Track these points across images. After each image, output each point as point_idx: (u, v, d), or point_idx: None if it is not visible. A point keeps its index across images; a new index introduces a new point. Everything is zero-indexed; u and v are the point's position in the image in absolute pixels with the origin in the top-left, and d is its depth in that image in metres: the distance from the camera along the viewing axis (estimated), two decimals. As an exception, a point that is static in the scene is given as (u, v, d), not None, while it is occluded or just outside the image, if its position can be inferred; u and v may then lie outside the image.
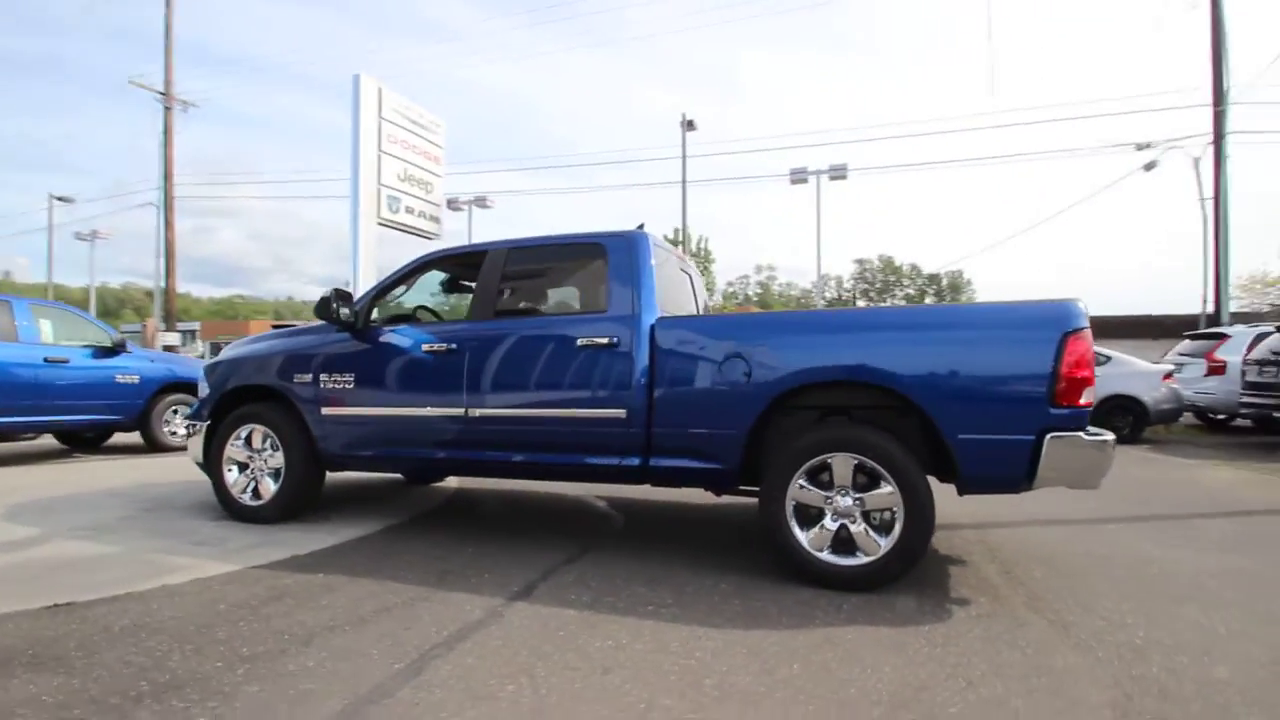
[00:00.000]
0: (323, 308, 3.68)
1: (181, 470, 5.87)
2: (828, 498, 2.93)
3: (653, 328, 3.25)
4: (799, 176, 18.96)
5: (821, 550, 2.92)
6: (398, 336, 3.77)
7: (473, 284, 4.77)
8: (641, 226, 3.68)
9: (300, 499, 3.95)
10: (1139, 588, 2.94)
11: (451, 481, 5.42)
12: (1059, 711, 1.87)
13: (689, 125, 21.09)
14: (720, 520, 4.23)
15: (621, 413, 3.21)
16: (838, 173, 18.56)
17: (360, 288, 20.09)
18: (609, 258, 3.47)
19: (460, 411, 3.50)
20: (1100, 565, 3.27)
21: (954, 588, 2.93)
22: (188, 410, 8.04)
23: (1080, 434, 2.67)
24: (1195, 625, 2.51)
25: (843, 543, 2.91)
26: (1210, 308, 15.86)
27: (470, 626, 2.42)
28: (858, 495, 2.90)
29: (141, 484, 5.24)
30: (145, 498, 4.68)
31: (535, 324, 3.53)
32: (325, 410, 3.79)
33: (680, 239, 22.28)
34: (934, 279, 73.87)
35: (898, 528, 2.82)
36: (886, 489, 2.83)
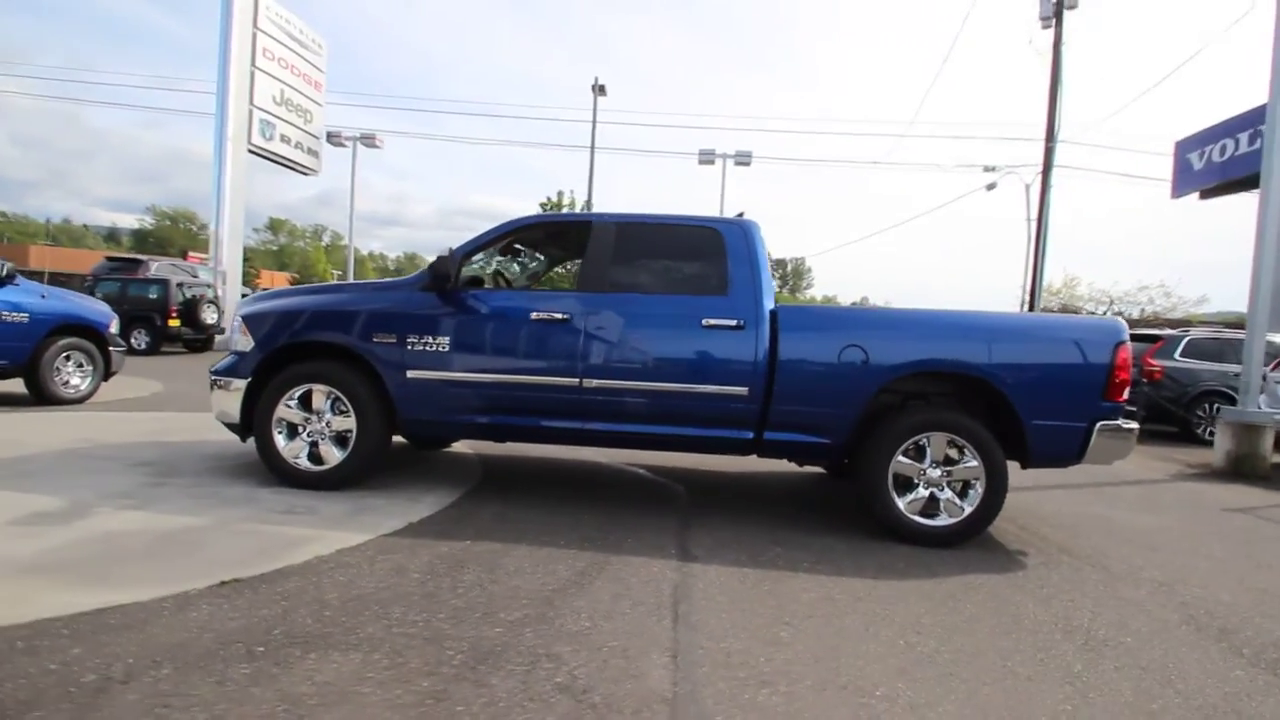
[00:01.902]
0: (442, 267, 3.48)
1: (120, 425, 5.11)
2: (921, 469, 3.46)
3: (774, 313, 3.53)
4: (706, 158, 19.70)
5: (913, 513, 3.45)
6: (499, 301, 3.68)
7: (558, 252, 4.72)
8: (742, 214, 3.90)
9: (370, 466, 3.73)
10: (1124, 540, 3.82)
11: (459, 446, 5.29)
12: (1161, 626, 2.54)
13: (600, 90, 20.88)
14: (764, 486, 4.64)
15: (743, 390, 3.47)
16: (742, 159, 19.56)
17: (226, 222, 17.81)
18: (726, 243, 3.67)
19: (574, 381, 3.53)
20: (1084, 523, 4.15)
21: (1005, 544, 3.60)
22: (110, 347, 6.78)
23: (1120, 423, 3.42)
24: (1181, 566, 3.38)
25: (930, 507, 3.46)
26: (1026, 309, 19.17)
27: (684, 586, 2.61)
28: (946, 468, 3.45)
29: (104, 444, 4.50)
30: (136, 460, 4.08)
31: (658, 302, 3.63)
32: (412, 373, 3.61)
33: (587, 206, 22.11)
34: (780, 263, 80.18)
35: (978, 495, 3.42)
36: (972, 463, 3.41)
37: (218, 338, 15.11)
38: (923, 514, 3.46)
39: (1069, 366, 3.43)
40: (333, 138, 22.06)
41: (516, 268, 4.89)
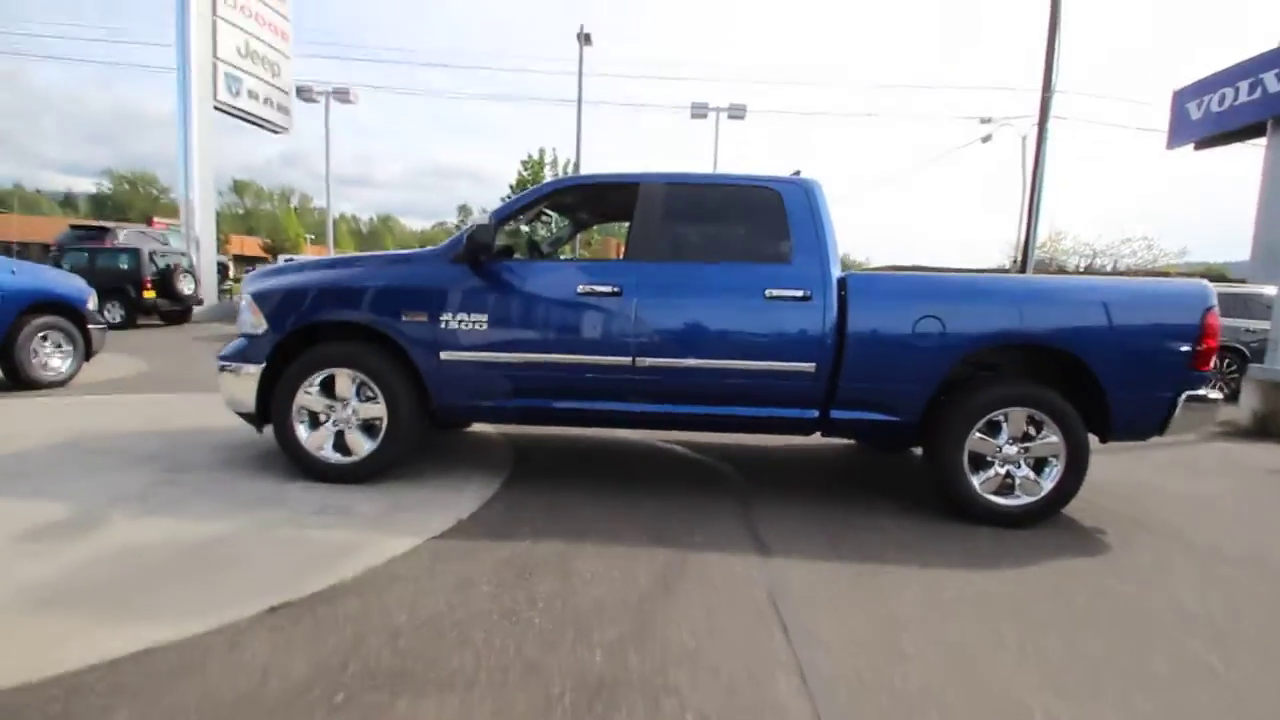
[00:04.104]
0: (482, 236, 3.13)
1: (113, 411, 4.73)
2: (997, 447, 3.26)
3: (843, 282, 3.25)
4: (699, 111, 18.99)
5: (988, 493, 3.26)
6: (541, 274, 3.34)
7: (598, 216, 4.35)
8: (798, 173, 3.58)
9: (402, 455, 3.44)
10: (1188, 511, 3.69)
11: (479, 425, 4.99)
12: (1277, 609, 2.39)
13: (586, 39, 19.90)
14: (809, 461, 4.44)
15: (810, 366, 3.21)
16: (736, 113, 18.90)
17: (196, 185, 16.90)
18: (785, 205, 3.36)
19: (626, 361, 3.25)
20: (1140, 492, 4.01)
21: (1076, 519, 3.44)
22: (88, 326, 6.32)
23: (1205, 393, 3.23)
24: (1259, 540, 3.26)
25: (1005, 486, 3.28)
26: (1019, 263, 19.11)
27: (777, 588, 2.39)
28: (1024, 444, 3.26)
29: (101, 435, 4.14)
30: (140, 453, 3.74)
31: (716, 272, 3.31)
32: (447, 355, 3.29)
33: (574, 163, 21.34)
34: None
35: (1057, 473, 3.23)
36: (1052, 439, 3.22)
37: (196, 309, 14.47)
38: (999, 493, 3.28)
39: (1156, 335, 3.21)
40: (303, 92, 20.89)
41: (543, 232, 4.53)
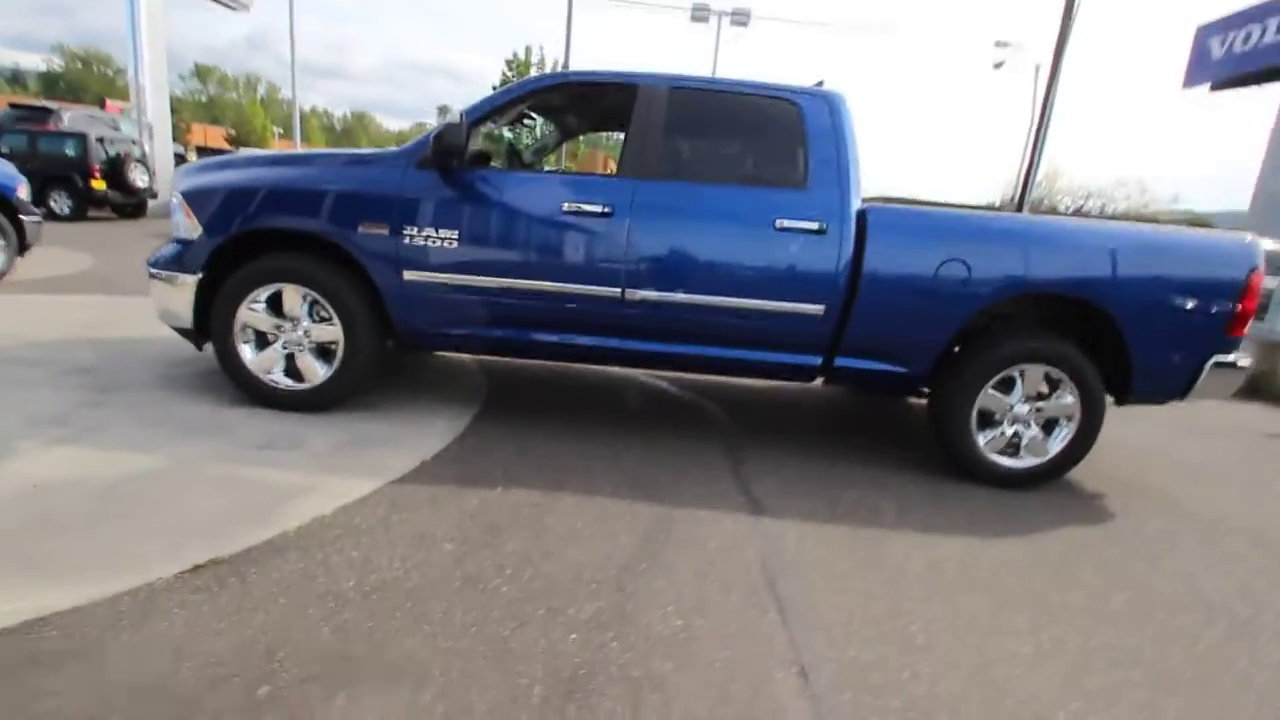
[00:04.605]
0: (451, 138, 2.67)
1: (45, 314, 4.28)
2: (1008, 405, 3.03)
3: (863, 215, 2.89)
4: (700, 14, 17.56)
5: (993, 452, 3.06)
6: (522, 187, 2.91)
7: (587, 121, 3.86)
8: (821, 83, 3.12)
9: (361, 383, 3.11)
10: (1190, 475, 3.56)
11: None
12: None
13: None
14: (799, 403, 4.21)
15: (819, 308, 2.90)
16: (739, 19, 17.52)
17: (146, 64, 15.44)
18: (805, 121, 2.93)
19: (615, 293, 2.89)
20: (1134, 453, 3.86)
21: (1076, 482, 3.28)
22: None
23: (1234, 359, 3.00)
24: (1261, 509, 3.15)
25: (1010, 446, 3.08)
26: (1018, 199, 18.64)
27: (771, 556, 2.18)
28: (1038, 403, 3.03)
29: (26, 342, 3.72)
30: (68, 365, 3.34)
31: (722, 196, 2.91)
32: (411, 275, 2.90)
33: (563, 64, 19.87)
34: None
35: (1069, 434, 3.04)
36: (1068, 399, 2.99)
37: (151, 203, 13.50)
38: (1005, 453, 3.09)
39: (1193, 292, 2.92)
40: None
41: (526, 140, 4.03)
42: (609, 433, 3.22)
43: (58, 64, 57.49)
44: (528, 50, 29.20)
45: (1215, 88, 17.70)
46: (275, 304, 2.98)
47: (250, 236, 2.96)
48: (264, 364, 3.02)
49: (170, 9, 15.63)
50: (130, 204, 12.87)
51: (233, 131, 53.45)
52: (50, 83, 55.57)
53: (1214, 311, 2.92)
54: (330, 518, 2.11)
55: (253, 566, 1.80)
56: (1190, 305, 2.93)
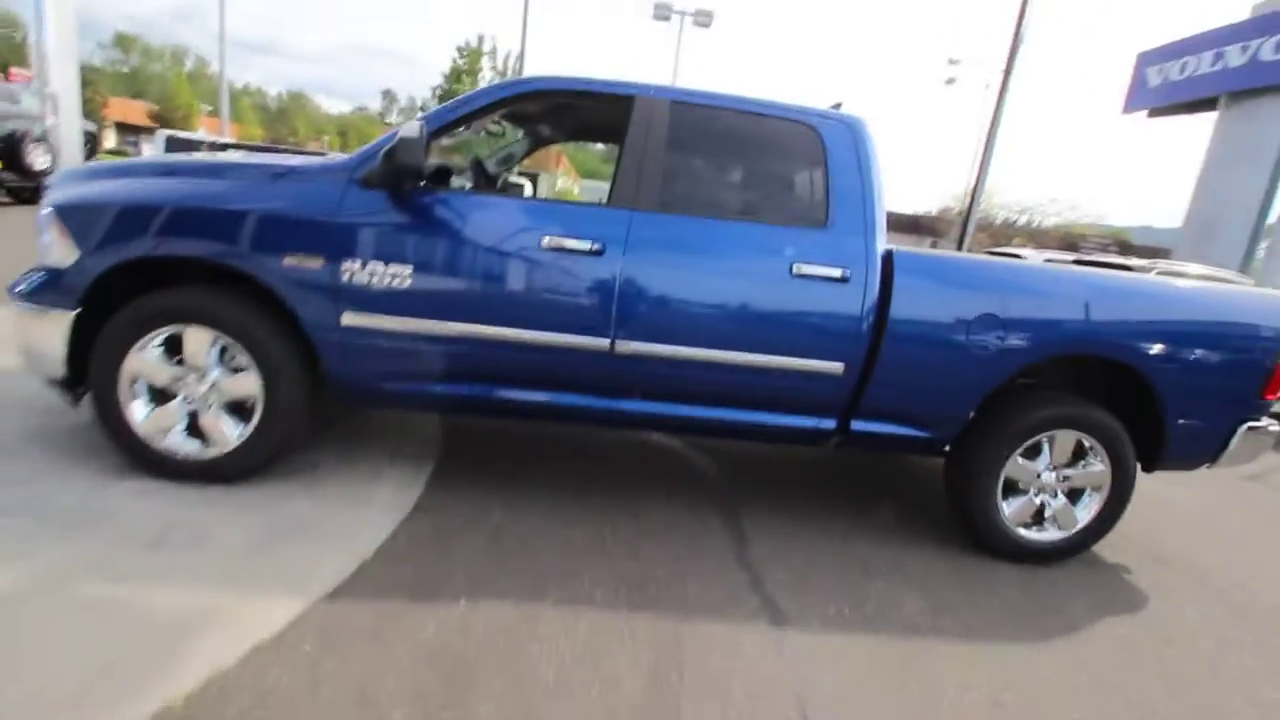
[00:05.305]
0: (407, 156, 2.13)
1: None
2: (1035, 473, 2.74)
3: (889, 259, 2.51)
4: (662, 13, 17.12)
5: (1018, 525, 2.76)
6: (492, 215, 2.40)
7: (571, 134, 3.37)
8: (839, 106, 2.73)
9: (283, 445, 2.53)
10: (1201, 537, 3.39)
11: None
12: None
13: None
14: (789, 457, 3.83)
15: (838, 367, 2.51)
16: (702, 20, 17.16)
17: (50, 27, 13.94)
18: (826, 150, 2.53)
19: (604, 344, 2.42)
20: (1132, 505, 3.66)
21: (1096, 553, 3.02)
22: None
23: (1266, 423, 2.79)
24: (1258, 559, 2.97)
25: (1035, 517, 2.79)
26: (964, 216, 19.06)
27: (806, 690, 1.77)
28: (1065, 471, 2.75)
29: None
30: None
31: (731, 233, 2.47)
32: (352, 318, 2.35)
33: (519, 55, 19.06)
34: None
35: (1096, 505, 2.77)
36: (1097, 467, 2.72)
37: (53, 186, 12.08)
38: (1029, 525, 2.79)
39: (1232, 354, 2.69)
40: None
41: (486, 146, 3.50)
42: (591, 502, 2.75)
43: (-47, 25, 52.18)
44: (480, 39, 28.08)
45: (1153, 114, 18.44)
46: (174, 348, 2.38)
47: (143, 264, 2.34)
48: (160, 424, 2.40)
49: None
50: (28, 188, 11.46)
51: (156, 108, 49.70)
52: (-55, 46, 50.36)
53: (1247, 375, 2.70)
54: (235, 673, 1.56)
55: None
56: (1229, 367, 2.70)
